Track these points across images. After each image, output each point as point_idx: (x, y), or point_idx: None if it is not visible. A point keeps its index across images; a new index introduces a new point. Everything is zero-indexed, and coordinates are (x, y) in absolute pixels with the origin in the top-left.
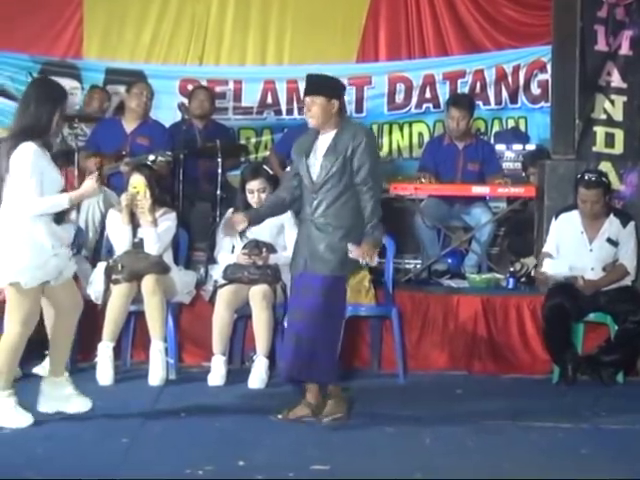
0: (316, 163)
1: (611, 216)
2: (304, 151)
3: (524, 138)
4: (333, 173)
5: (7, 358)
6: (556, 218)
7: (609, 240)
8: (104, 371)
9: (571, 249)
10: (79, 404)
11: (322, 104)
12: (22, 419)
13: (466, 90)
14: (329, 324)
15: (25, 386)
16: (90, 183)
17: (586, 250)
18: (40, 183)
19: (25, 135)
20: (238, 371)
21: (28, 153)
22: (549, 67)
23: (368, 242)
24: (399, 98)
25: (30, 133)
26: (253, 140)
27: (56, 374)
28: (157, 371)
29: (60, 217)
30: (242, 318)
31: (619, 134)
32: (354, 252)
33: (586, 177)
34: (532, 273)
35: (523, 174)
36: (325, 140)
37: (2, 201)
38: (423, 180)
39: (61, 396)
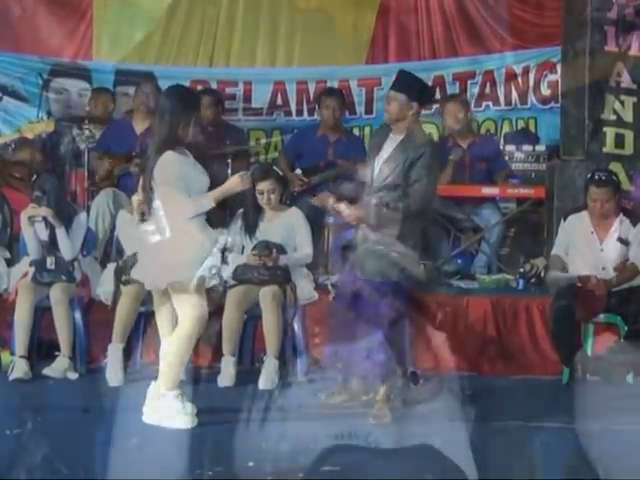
0: (378, 165)
1: (621, 215)
2: (376, 146)
3: (534, 139)
4: (388, 182)
5: (179, 357)
6: (565, 219)
7: (620, 239)
8: (114, 372)
9: (581, 250)
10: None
11: (400, 102)
12: (186, 421)
13: (476, 91)
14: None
15: None
16: (235, 178)
17: (597, 250)
18: (185, 189)
19: (165, 146)
20: (248, 372)
21: (168, 163)
22: (559, 68)
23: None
24: None
25: (170, 143)
26: (263, 141)
27: None
28: None
29: (215, 221)
30: (252, 319)
31: (629, 135)
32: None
33: (596, 176)
34: (542, 274)
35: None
36: (392, 142)
37: (153, 211)
38: None
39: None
